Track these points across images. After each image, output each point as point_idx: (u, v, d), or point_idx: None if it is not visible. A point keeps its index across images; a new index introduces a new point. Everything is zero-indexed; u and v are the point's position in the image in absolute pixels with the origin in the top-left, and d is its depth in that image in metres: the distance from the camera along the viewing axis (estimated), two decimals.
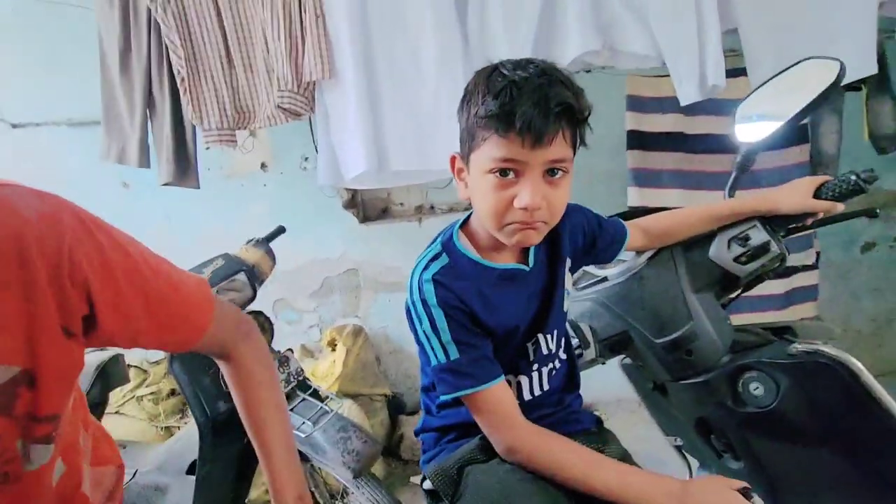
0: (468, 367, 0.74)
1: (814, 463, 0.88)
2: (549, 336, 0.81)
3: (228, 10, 1.49)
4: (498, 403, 0.74)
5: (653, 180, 2.08)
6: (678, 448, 1.12)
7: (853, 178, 0.84)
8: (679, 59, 1.35)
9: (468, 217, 0.82)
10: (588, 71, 2.14)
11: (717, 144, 2.02)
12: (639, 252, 0.98)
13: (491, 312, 0.76)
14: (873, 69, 1.31)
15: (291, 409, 1.40)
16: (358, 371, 2.38)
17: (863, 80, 1.82)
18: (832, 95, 0.89)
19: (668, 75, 1.46)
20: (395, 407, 2.53)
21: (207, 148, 1.67)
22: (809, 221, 0.90)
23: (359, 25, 1.40)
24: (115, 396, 2.19)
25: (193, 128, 1.67)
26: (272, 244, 1.61)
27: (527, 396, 0.82)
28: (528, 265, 0.80)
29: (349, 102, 1.41)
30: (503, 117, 0.64)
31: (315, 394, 1.46)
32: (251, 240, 1.56)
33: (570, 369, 0.84)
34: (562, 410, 0.83)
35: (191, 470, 1.42)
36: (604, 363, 1.03)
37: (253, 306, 1.49)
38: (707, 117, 2.04)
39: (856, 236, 2.67)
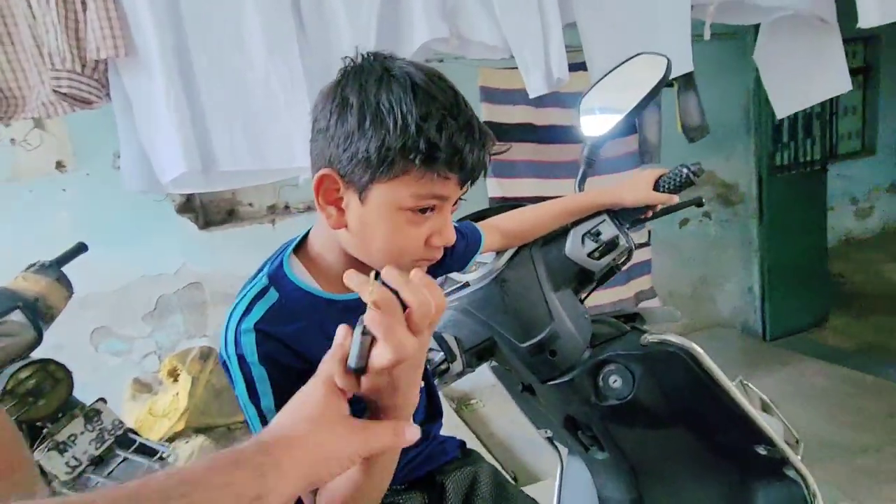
0: None
1: (668, 444, 0.94)
2: None
3: None
4: None
5: (509, 171, 2.14)
6: (549, 439, 1.15)
7: (685, 171, 0.92)
8: (525, 51, 1.35)
9: (303, 238, 0.66)
10: (441, 60, 2.10)
11: (564, 135, 2.13)
12: (499, 253, 0.94)
13: None
14: (690, 67, 1.45)
15: (108, 475, 1.12)
16: (210, 401, 2.07)
17: (674, 77, 2.06)
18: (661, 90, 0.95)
19: (516, 68, 1.46)
20: None
21: None
22: (650, 214, 0.95)
23: None
24: None
25: None
26: (70, 266, 1.29)
27: None
28: None
29: (156, 87, 1.15)
30: (452, 157, 0.55)
31: (142, 448, 1.20)
32: (32, 265, 1.22)
33: (429, 396, 0.76)
34: (428, 445, 0.74)
35: None
36: (472, 371, 0.98)
37: (47, 346, 1.17)
38: (554, 109, 2.15)
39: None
